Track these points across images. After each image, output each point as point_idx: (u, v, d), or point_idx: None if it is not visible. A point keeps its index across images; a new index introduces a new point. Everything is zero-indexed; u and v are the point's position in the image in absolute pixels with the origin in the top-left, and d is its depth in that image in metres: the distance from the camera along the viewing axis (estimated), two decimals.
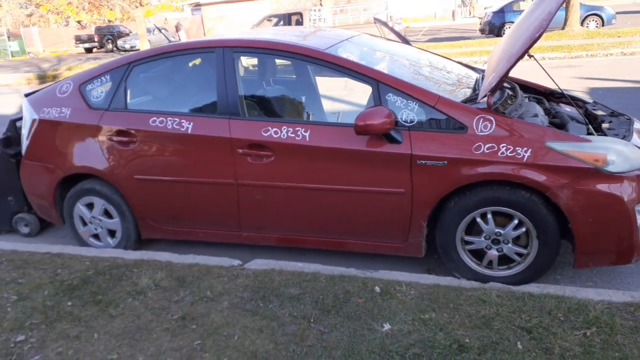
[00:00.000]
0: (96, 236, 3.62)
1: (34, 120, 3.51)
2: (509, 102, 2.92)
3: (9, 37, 31.24)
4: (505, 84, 3.26)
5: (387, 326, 2.37)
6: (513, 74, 3.36)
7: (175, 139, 3.13)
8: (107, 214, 3.52)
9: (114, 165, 3.32)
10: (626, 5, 26.29)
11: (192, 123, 3.10)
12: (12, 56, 30.31)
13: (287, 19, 17.59)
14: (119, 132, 3.27)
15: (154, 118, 3.18)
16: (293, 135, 2.90)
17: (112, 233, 3.58)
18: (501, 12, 16.79)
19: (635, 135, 2.75)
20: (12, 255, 3.31)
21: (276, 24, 17.62)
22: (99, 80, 3.42)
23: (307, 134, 2.88)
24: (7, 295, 2.82)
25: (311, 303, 2.59)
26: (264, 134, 2.95)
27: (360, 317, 2.46)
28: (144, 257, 3.23)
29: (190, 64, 3.44)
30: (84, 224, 3.60)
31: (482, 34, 17.89)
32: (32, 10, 44.08)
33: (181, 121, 3.12)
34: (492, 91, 2.63)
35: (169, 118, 3.15)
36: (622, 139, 2.64)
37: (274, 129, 2.94)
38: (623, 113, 3.15)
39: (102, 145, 3.33)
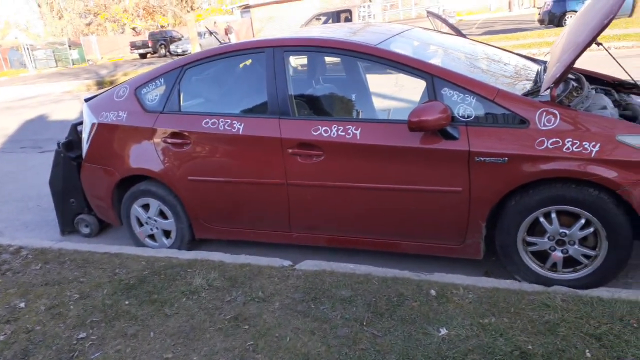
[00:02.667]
0: (152, 237, 3.71)
1: (93, 124, 3.64)
2: (575, 94, 2.74)
3: (69, 46, 32.83)
4: (570, 75, 3.07)
5: (443, 331, 2.27)
6: (578, 64, 3.15)
7: (227, 140, 3.15)
8: (162, 214, 3.60)
9: (169, 167, 3.38)
10: None
11: (243, 124, 3.11)
12: (73, 64, 31.88)
13: (335, 16, 17.57)
14: (173, 134, 3.33)
15: (207, 119, 3.22)
16: (343, 133, 2.85)
17: (167, 233, 3.66)
18: (562, 0, 16.03)
19: None
20: (74, 255, 3.44)
21: (325, 22, 17.63)
22: (154, 83, 3.49)
23: (357, 132, 2.82)
24: (70, 294, 2.92)
25: (363, 305, 2.53)
26: (314, 133, 2.91)
27: (415, 320, 2.37)
28: (197, 257, 3.28)
29: (241, 65, 3.46)
30: (140, 224, 3.70)
31: (540, 24, 17.19)
32: (91, 19, 46.34)
33: (232, 122, 3.13)
34: (557, 83, 2.47)
35: (221, 119, 3.17)
36: None
37: (324, 128, 2.90)
38: None
39: (157, 147, 3.39)
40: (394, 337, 2.27)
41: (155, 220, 3.62)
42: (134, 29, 36.17)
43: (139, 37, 35.96)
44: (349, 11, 17.41)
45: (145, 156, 3.45)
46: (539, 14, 17.58)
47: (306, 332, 2.37)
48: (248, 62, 3.46)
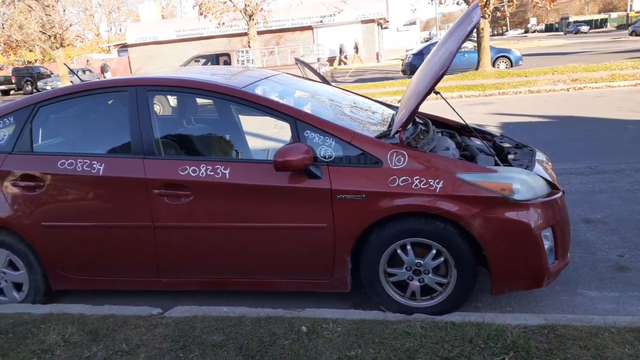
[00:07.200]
0: (0, 291, 3.31)
1: None
2: (421, 136, 3.04)
3: None
4: (419, 120, 3.40)
5: None
6: (428, 110, 3.51)
7: (85, 181, 2.97)
8: (12, 265, 3.24)
9: (19, 212, 3.08)
10: (531, 49, 28.84)
11: (103, 164, 2.97)
12: None
13: (214, 59, 17.68)
14: (24, 177, 3.06)
15: (63, 160, 3.02)
16: (212, 173, 2.84)
17: (18, 286, 3.29)
18: (420, 54, 17.74)
19: (537, 165, 2.92)
20: None
21: (204, 64, 17.64)
22: (2, 122, 3.21)
23: (226, 172, 2.84)
24: None
25: (235, 349, 2.48)
26: (182, 173, 2.87)
27: (285, 359, 2.37)
28: (53, 310, 2.99)
29: (103, 104, 3.32)
30: None
31: (404, 74, 18.71)
32: None
33: (92, 162, 2.98)
34: (404, 126, 2.73)
35: (79, 160, 3.00)
36: (526, 168, 2.81)
37: (192, 168, 2.87)
38: (527, 145, 3.36)
39: (6, 191, 3.10)
40: None
41: (4, 272, 3.25)
42: None
43: (2, 73, 33.04)
44: (228, 55, 17.69)
45: None
46: (402, 65, 19.20)
47: None
48: (110, 100, 3.34)
